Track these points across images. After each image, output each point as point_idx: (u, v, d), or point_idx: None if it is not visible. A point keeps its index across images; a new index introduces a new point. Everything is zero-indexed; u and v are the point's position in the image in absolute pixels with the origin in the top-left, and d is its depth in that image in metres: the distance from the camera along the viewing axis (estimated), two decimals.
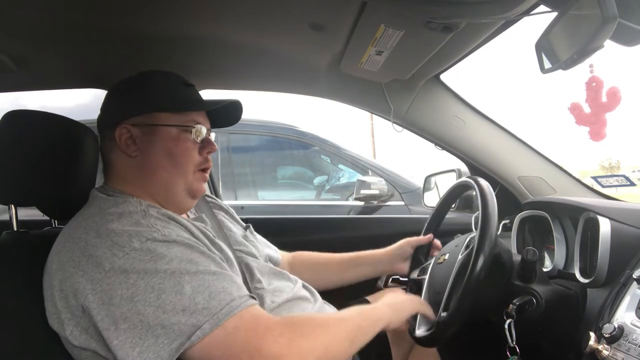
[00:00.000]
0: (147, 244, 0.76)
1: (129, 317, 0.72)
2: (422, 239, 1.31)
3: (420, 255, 1.34)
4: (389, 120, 1.50)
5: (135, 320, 0.71)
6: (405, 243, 1.33)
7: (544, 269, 1.16)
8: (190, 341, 0.71)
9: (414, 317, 1.12)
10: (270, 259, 1.20)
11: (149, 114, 0.91)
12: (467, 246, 1.06)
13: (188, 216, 1.02)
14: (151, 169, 0.91)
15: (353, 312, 0.92)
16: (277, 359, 0.72)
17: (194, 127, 0.93)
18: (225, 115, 1.03)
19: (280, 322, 0.78)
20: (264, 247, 1.21)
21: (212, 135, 1.00)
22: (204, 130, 0.95)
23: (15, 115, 0.95)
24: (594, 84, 0.91)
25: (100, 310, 0.73)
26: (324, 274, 1.34)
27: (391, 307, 0.98)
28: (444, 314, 0.97)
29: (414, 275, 1.28)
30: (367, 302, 1.35)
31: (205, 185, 1.00)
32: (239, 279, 0.85)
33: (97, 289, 0.73)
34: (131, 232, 0.77)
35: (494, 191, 1.05)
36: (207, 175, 0.98)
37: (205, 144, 0.96)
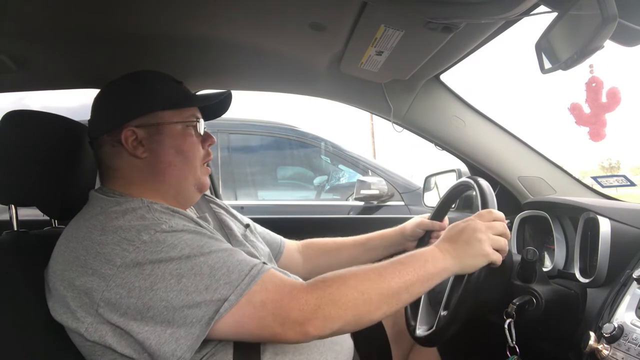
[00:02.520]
0: (156, 236, 0.77)
1: (152, 305, 0.73)
2: (434, 224, 1.30)
3: None
4: (389, 121, 1.50)
5: (160, 306, 0.73)
6: (418, 224, 1.32)
7: (544, 269, 1.16)
8: (219, 314, 0.73)
9: (413, 317, 1.12)
10: (271, 253, 1.21)
11: (151, 113, 0.91)
12: None
13: None
14: (162, 168, 0.92)
15: (399, 265, 0.84)
16: (304, 323, 0.75)
17: (198, 122, 0.95)
18: (215, 107, 1.04)
19: (306, 288, 0.78)
20: (264, 245, 1.21)
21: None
22: (203, 123, 0.97)
23: (16, 116, 0.95)
24: (593, 85, 0.91)
25: (120, 305, 0.74)
26: (337, 259, 1.35)
27: (454, 256, 0.88)
28: (444, 313, 0.97)
29: None
30: None
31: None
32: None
33: (111, 285, 0.74)
34: (139, 227, 0.78)
35: (494, 191, 1.05)
36: (209, 168, 1.00)
37: (206, 137, 0.98)
